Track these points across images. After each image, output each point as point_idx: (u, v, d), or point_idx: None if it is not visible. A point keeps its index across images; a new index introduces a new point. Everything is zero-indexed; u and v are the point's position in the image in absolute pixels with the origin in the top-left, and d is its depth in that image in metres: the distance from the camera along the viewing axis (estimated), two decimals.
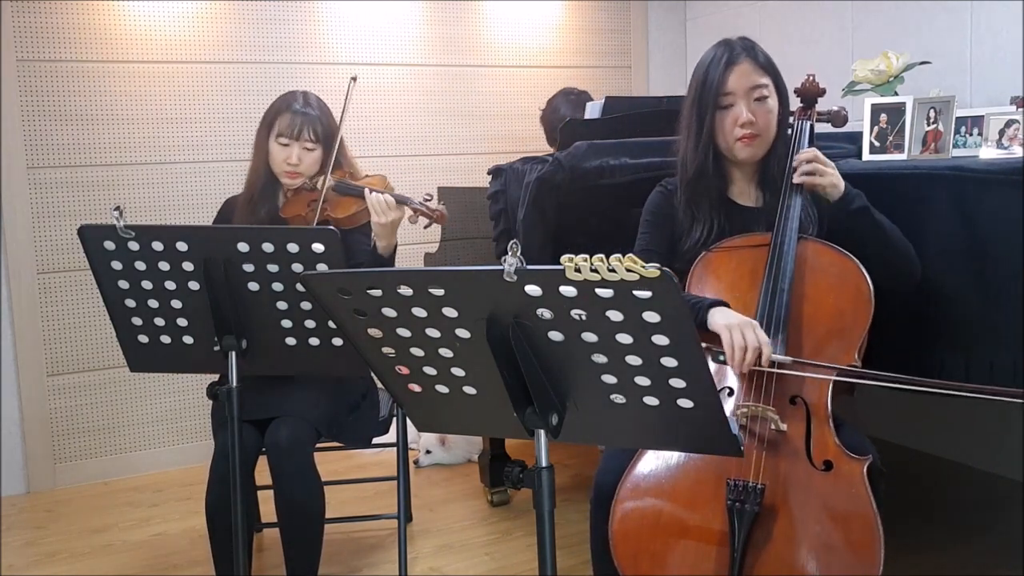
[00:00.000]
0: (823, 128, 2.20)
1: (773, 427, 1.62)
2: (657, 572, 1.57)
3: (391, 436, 2.53)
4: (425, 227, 2.26)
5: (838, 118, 2.03)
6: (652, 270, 1.04)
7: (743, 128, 1.89)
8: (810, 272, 1.79)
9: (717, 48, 1.93)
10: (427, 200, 2.21)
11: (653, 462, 1.65)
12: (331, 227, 1.68)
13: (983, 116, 2.30)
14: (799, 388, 1.67)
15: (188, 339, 1.80)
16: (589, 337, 1.14)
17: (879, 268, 1.80)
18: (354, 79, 2.32)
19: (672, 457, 1.65)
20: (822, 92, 2.04)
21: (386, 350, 1.28)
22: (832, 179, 1.85)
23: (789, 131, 1.98)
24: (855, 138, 2.51)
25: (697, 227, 1.93)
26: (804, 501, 1.56)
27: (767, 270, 1.77)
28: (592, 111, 3.22)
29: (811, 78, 2.03)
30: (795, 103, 2.05)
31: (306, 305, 1.72)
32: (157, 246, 1.69)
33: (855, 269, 1.76)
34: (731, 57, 1.90)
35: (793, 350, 1.71)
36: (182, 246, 1.69)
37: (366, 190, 2.20)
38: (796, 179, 1.86)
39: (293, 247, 1.66)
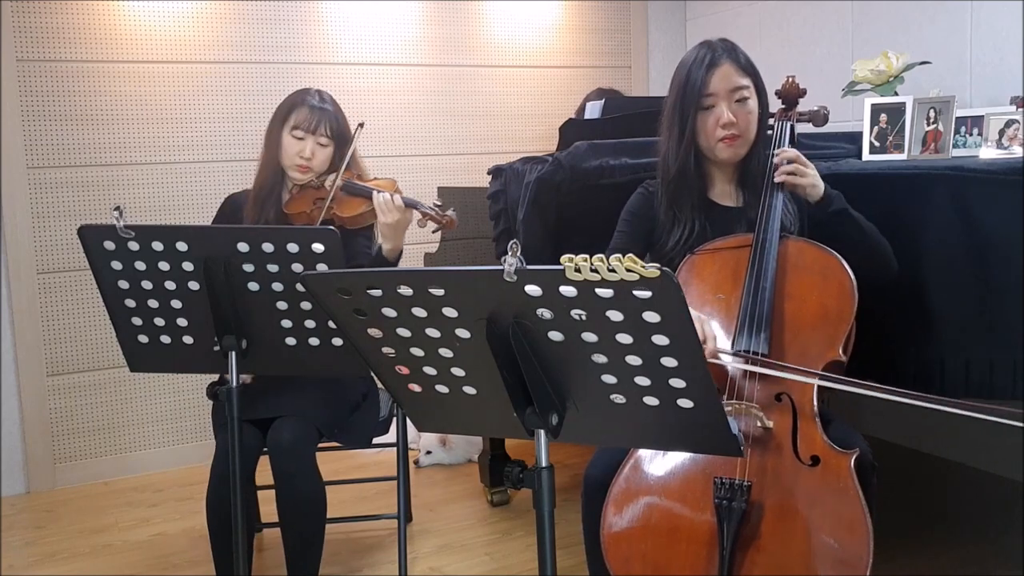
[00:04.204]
0: (821, 129, 2.20)
1: (759, 424, 1.63)
2: (649, 573, 1.57)
3: (391, 436, 2.53)
4: (433, 231, 2.25)
5: (818, 117, 2.03)
6: (652, 270, 1.04)
7: (725, 129, 1.91)
8: (793, 270, 1.80)
9: (699, 49, 1.95)
10: (436, 205, 2.20)
11: (642, 464, 1.66)
12: (331, 227, 1.68)
13: (983, 116, 2.31)
14: (784, 385, 1.68)
15: (188, 339, 1.80)
16: (589, 337, 1.14)
17: (856, 263, 1.82)
18: (361, 126, 2.31)
19: (660, 458, 1.66)
20: (803, 93, 2.04)
21: (386, 350, 1.28)
22: (812, 180, 1.88)
23: (770, 132, 2.00)
24: (855, 138, 2.51)
25: (678, 228, 1.95)
26: (791, 496, 1.56)
27: (749, 269, 1.79)
28: (592, 111, 3.22)
29: (791, 79, 2.04)
30: (777, 104, 2.05)
31: (306, 305, 1.72)
32: (157, 246, 1.69)
33: (838, 265, 1.78)
34: (713, 59, 1.92)
35: (776, 347, 1.72)
36: (182, 246, 1.69)
37: (374, 191, 2.20)
38: (777, 178, 1.89)
39: (293, 247, 1.66)
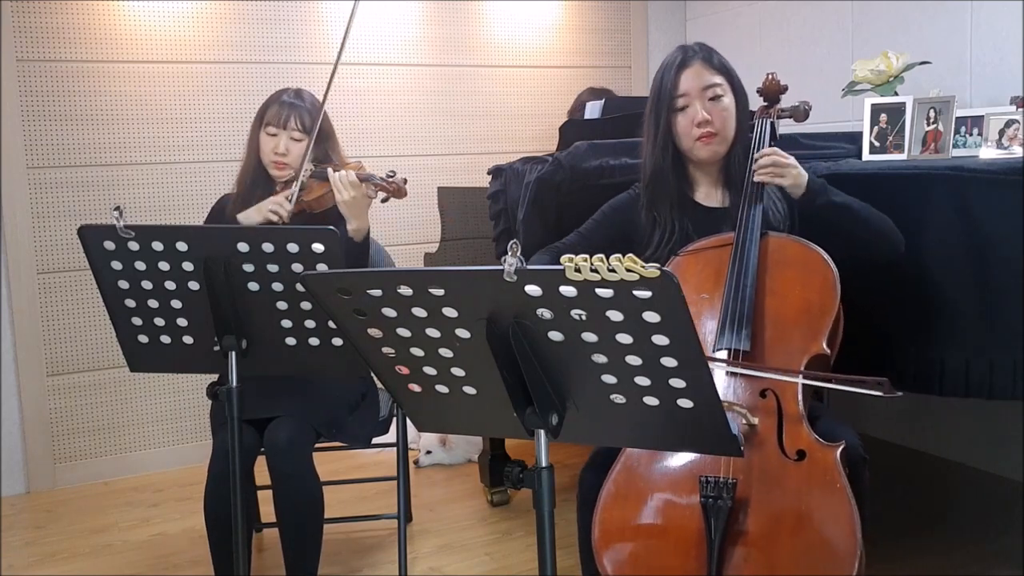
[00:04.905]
0: (821, 129, 2.20)
1: (744, 422, 1.63)
2: (641, 574, 1.58)
3: (391, 436, 2.53)
4: (383, 200, 2.24)
5: (799, 113, 2.03)
6: (652, 270, 1.04)
7: (700, 127, 1.92)
8: (774, 266, 1.81)
9: (673, 52, 1.98)
10: (389, 176, 2.21)
11: (631, 466, 1.67)
12: (331, 227, 1.68)
13: (983, 116, 2.31)
14: (768, 381, 1.68)
15: (188, 339, 1.80)
16: (589, 337, 1.14)
17: (859, 245, 1.84)
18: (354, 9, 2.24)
19: (649, 460, 1.66)
20: (783, 89, 2.04)
21: (386, 350, 1.28)
22: (792, 180, 1.87)
23: (751, 131, 2.00)
24: (855, 138, 2.51)
25: (658, 230, 1.96)
26: (778, 491, 1.56)
27: (730, 267, 1.79)
28: (592, 111, 3.23)
29: (771, 76, 2.04)
30: (758, 102, 2.05)
31: (306, 305, 1.72)
32: (157, 246, 1.69)
33: (819, 259, 1.78)
34: (684, 60, 1.95)
35: (758, 343, 1.72)
36: (182, 246, 1.69)
37: (329, 170, 2.21)
38: (756, 178, 1.89)
39: (293, 247, 1.66)
